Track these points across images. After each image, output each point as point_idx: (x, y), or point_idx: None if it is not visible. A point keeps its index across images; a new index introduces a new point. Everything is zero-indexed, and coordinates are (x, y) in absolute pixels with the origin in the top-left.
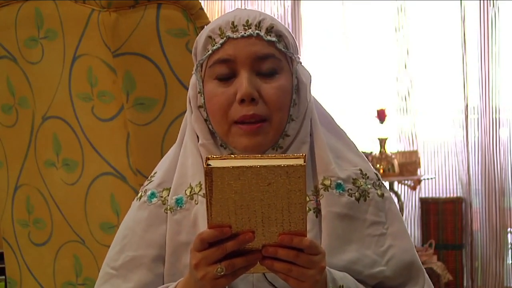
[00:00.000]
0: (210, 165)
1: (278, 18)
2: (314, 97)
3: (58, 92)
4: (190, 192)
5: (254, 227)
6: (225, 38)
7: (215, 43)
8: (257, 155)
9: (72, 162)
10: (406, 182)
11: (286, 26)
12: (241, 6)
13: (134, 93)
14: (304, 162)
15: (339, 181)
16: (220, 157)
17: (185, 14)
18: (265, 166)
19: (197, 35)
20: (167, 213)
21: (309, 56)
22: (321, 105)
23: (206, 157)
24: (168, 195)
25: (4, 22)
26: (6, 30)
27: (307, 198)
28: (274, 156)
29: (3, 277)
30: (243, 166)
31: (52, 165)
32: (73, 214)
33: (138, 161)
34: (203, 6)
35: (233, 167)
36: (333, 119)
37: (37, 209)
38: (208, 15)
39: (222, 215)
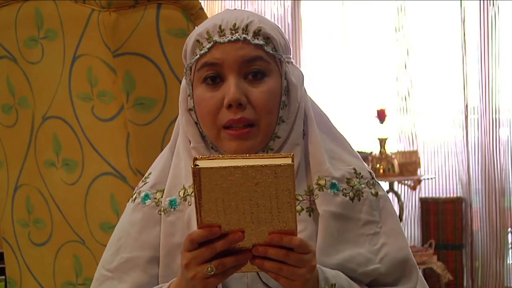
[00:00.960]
0: (197, 165)
1: (278, 18)
2: (309, 97)
3: (58, 92)
4: (184, 194)
5: (244, 227)
6: (212, 43)
7: (203, 47)
8: (245, 155)
9: (72, 162)
10: (406, 182)
11: (286, 26)
12: (241, 7)
13: (134, 93)
14: (292, 162)
15: (333, 181)
16: (208, 157)
17: (185, 14)
18: (252, 166)
19: None
20: (161, 214)
21: (309, 57)
22: (315, 103)
23: (194, 158)
24: (161, 197)
25: (4, 22)
26: (6, 30)
27: (300, 197)
28: (262, 155)
29: (3, 277)
30: (231, 166)
31: (52, 165)
32: (73, 214)
33: (138, 161)
34: (203, 6)
35: (220, 167)
36: (328, 118)
37: (37, 209)
38: (208, 15)
39: (211, 215)
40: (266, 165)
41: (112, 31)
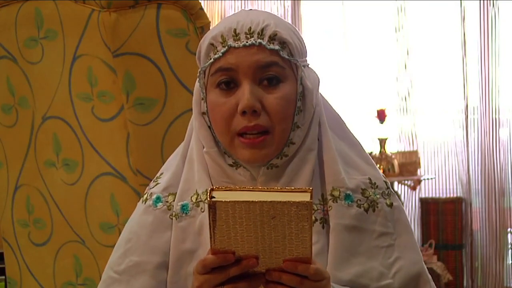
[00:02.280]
0: (213, 197)
1: None
2: (324, 99)
3: (58, 92)
4: (196, 199)
5: (258, 253)
6: (226, 47)
7: (217, 51)
8: (263, 188)
9: (72, 162)
10: (406, 182)
11: None
12: (241, 7)
13: (134, 93)
14: (311, 199)
15: (348, 192)
16: (225, 188)
17: (185, 14)
18: (270, 202)
19: (197, 35)
20: (172, 219)
21: (308, 56)
22: (331, 107)
23: (210, 189)
24: (173, 200)
25: (4, 22)
26: (6, 30)
27: (315, 206)
28: (280, 189)
29: (3, 277)
30: (247, 201)
31: (52, 165)
32: (73, 214)
33: (138, 161)
34: (203, 6)
35: (237, 201)
36: (343, 122)
37: (37, 209)
38: (208, 15)
39: (225, 243)
40: (284, 202)
41: (112, 31)
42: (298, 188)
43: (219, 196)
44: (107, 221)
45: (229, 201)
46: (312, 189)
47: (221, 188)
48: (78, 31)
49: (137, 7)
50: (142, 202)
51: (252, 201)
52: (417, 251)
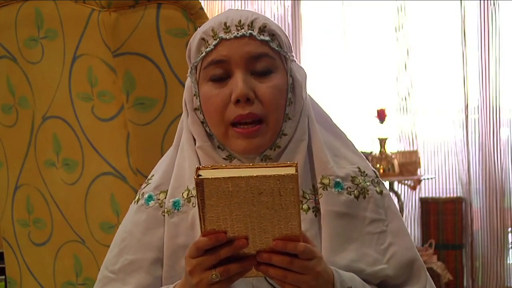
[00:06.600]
0: (200, 175)
1: (278, 18)
2: (310, 96)
3: (58, 92)
4: (188, 195)
5: (248, 233)
6: (218, 39)
7: (208, 44)
8: (248, 164)
9: (72, 162)
10: (406, 182)
11: (286, 26)
12: (241, 6)
13: (134, 93)
14: (296, 172)
15: (337, 180)
16: (211, 166)
17: (185, 14)
18: (256, 177)
19: None
20: (164, 215)
21: (309, 56)
22: (317, 103)
23: (197, 167)
24: (165, 198)
25: (4, 22)
26: (6, 30)
27: (307, 196)
28: (266, 164)
29: (3, 277)
30: (234, 177)
31: (52, 165)
32: (73, 214)
33: (138, 161)
34: (203, 6)
35: (224, 178)
36: (329, 117)
37: (37, 209)
38: (208, 15)
39: (214, 224)
40: (270, 176)
41: (112, 31)
42: (283, 163)
43: (206, 174)
44: (107, 221)
45: (216, 178)
46: (297, 163)
47: (208, 166)
48: (78, 31)
49: (137, 7)
50: (135, 203)
51: (239, 177)
52: (409, 237)
